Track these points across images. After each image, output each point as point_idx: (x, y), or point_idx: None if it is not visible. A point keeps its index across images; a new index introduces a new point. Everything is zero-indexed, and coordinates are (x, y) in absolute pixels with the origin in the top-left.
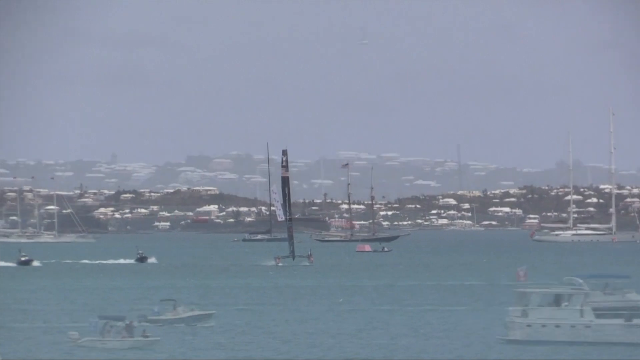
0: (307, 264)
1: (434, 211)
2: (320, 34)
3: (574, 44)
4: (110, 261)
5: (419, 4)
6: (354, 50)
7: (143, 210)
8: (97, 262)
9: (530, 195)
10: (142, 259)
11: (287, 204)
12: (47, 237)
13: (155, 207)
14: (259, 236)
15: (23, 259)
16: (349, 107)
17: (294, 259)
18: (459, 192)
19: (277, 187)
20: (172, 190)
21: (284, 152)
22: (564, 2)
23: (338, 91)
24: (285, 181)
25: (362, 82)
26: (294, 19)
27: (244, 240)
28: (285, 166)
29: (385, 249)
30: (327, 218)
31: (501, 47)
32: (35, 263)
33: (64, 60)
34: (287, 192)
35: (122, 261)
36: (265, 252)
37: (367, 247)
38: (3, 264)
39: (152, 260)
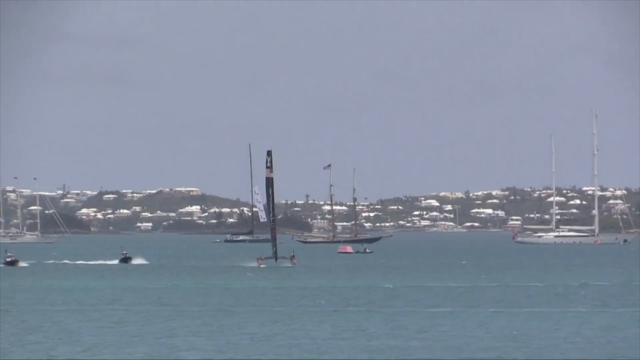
0: (290, 265)
1: (416, 212)
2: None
3: (556, 46)
4: (93, 262)
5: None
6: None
7: (125, 211)
8: (80, 262)
9: (512, 197)
10: (126, 260)
11: (271, 205)
12: (29, 238)
13: (137, 208)
14: (241, 237)
15: (8, 259)
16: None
17: (276, 260)
18: (442, 194)
19: (259, 188)
20: (154, 191)
21: (269, 153)
22: (546, 4)
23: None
24: (269, 182)
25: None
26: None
27: (226, 241)
28: (269, 167)
29: (367, 250)
30: (309, 219)
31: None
32: (22, 264)
33: (55, 61)
34: (271, 192)
35: (106, 262)
36: (247, 253)
37: (349, 249)
38: None
39: (141, 261)
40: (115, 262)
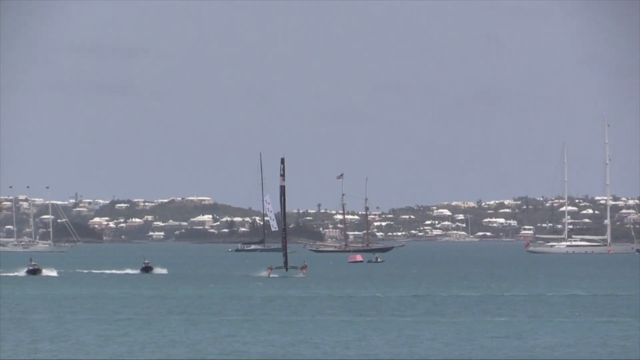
0: (302, 275)
1: (428, 222)
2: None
3: (566, 55)
4: (114, 271)
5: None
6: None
7: (137, 220)
8: (99, 271)
9: (525, 207)
10: (147, 269)
11: (283, 214)
12: (42, 246)
13: (149, 217)
14: (252, 246)
15: (31, 267)
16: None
17: (287, 270)
18: (454, 203)
19: (270, 197)
20: (166, 200)
21: (282, 161)
22: (554, 13)
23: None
24: (282, 190)
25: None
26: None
27: (237, 250)
28: (282, 175)
29: (379, 260)
30: (321, 228)
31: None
32: (48, 272)
33: (64, 71)
34: (282, 201)
35: (128, 271)
36: (258, 263)
37: (359, 258)
38: (14, 273)
39: (163, 271)
40: (137, 271)
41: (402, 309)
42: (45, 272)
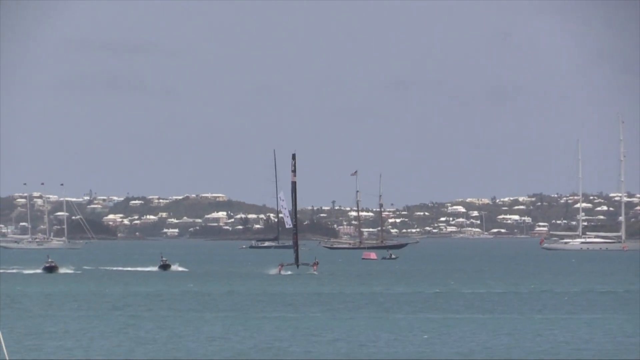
0: (313, 272)
1: (442, 218)
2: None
3: (577, 52)
4: (132, 268)
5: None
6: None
7: (152, 217)
8: (118, 268)
9: (539, 203)
10: (165, 267)
11: (294, 210)
12: (56, 243)
13: (164, 214)
14: (267, 243)
15: (48, 265)
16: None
17: (298, 266)
18: (468, 200)
19: (284, 194)
20: (180, 197)
21: (293, 157)
22: (561, 10)
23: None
24: (294, 186)
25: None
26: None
27: (251, 247)
28: (294, 171)
29: (393, 256)
30: (335, 225)
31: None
32: (64, 270)
33: (78, 68)
34: (293, 197)
35: (146, 268)
36: (271, 260)
37: (373, 255)
38: (30, 271)
39: (179, 268)
40: (155, 268)
41: (405, 307)
42: (62, 269)
